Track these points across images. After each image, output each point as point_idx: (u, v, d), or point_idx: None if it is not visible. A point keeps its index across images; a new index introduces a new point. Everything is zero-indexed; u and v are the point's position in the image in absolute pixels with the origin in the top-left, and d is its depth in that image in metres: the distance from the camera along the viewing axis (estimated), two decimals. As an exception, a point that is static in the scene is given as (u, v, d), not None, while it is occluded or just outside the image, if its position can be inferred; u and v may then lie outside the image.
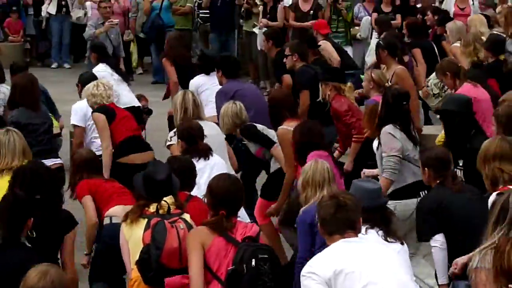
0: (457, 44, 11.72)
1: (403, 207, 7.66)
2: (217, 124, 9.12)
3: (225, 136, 8.97)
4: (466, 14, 14.73)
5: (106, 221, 7.49)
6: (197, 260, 5.86)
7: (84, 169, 7.79)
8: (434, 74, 10.60)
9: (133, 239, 6.30)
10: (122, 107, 9.85)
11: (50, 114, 9.65)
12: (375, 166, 8.31)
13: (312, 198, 6.69)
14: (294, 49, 10.62)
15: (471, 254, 5.41)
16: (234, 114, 8.95)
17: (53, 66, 19.23)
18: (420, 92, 10.89)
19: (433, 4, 16.47)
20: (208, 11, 17.71)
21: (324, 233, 5.27)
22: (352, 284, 4.95)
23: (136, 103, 10.65)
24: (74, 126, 9.77)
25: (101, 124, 8.99)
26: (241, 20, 17.21)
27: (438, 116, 9.04)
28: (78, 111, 9.62)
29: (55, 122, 9.99)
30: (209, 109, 9.76)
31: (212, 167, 7.53)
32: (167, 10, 18.12)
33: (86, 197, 7.56)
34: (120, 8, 17.88)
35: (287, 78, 10.90)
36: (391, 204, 7.16)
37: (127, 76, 11.56)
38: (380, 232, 6.07)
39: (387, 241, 6.08)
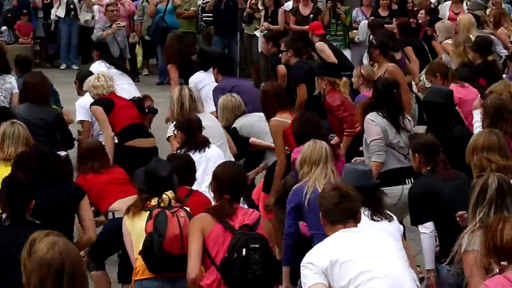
0: (449, 41, 11.77)
1: (388, 194, 7.52)
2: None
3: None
4: (461, 18, 14.75)
5: (110, 215, 7.53)
6: (196, 244, 5.91)
7: (89, 158, 7.78)
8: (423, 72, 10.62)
9: (135, 231, 6.38)
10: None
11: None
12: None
13: (307, 175, 6.72)
14: (289, 45, 10.71)
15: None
16: (235, 106, 9.10)
17: (61, 67, 19.21)
18: (414, 87, 10.94)
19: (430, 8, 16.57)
20: (211, 14, 17.76)
21: (326, 223, 5.28)
22: (347, 273, 4.95)
23: (137, 94, 10.62)
24: (81, 121, 9.84)
25: (99, 116, 9.10)
26: (243, 24, 17.21)
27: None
28: (82, 107, 9.69)
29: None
30: (210, 105, 9.81)
31: (208, 160, 7.56)
32: (171, 13, 18.06)
33: None
34: (126, 11, 17.94)
35: (281, 68, 10.95)
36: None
37: (127, 70, 11.57)
38: (367, 212, 6.04)
39: (373, 219, 6.07)
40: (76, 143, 9.60)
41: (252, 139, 8.95)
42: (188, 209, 6.35)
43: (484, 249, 4.72)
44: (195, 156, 7.81)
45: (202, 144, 7.96)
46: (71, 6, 19.22)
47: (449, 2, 16.12)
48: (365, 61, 14.34)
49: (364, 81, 9.74)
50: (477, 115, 8.18)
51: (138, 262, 6.31)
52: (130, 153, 8.56)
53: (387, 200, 6.86)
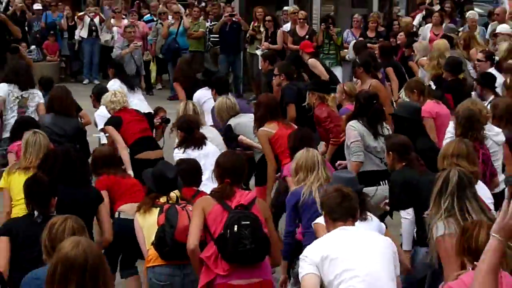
0: (424, 58, 11.87)
1: None
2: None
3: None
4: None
5: (116, 215, 7.43)
6: (197, 221, 5.94)
7: (104, 164, 7.64)
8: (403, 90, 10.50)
9: (147, 225, 6.41)
10: None
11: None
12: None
13: (304, 180, 6.71)
14: (281, 70, 10.64)
15: None
16: (229, 107, 9.09)
17: (84, 82, 19.14)
18: (394, 104, 10.99)
19: (412, 30, 16.65)
20: (218, 35, 17.68)
21: (328, 220, 5.28)
22: (334, 269, 4.95)
23: (147, 110, 10.57)
24: (102, 129, 9.78)
25: (111, 133, 9.08)
26: (246, 44, 17.13)
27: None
28: (102, 116, 9.68)
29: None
30: (210, 118, 9.81)
31: (206, 156, 7.42)
32: (182, 35, 18.07)
33: (102, 192, 7.37)
34: (140, 33, 17.91)
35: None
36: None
37: (137, 86, 11.47)
38: None
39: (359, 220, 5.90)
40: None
41: (240, 137, 8.95)
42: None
43: (460, 250, 4.75)
44: (194, 153, 7.89)
45: (200, 141, 7.95)
46: (93, 27, 19.22)
47: (430, 25, 16.21)
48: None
49: (347, 96, 9.75)
50: (450, 126, 8.10)
51: (150, 252, 6.32)
52: (140, 165, 8.48)
53: (370, 202, 6.84)
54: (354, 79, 11.60)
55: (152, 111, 10.62)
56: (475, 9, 17.91)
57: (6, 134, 9.58)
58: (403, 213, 6.65)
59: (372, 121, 8.11)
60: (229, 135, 8.98)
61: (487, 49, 12.48)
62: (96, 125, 10.14)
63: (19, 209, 6.81)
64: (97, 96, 10.06)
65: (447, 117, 8.77)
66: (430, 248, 5.59)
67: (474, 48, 11.99)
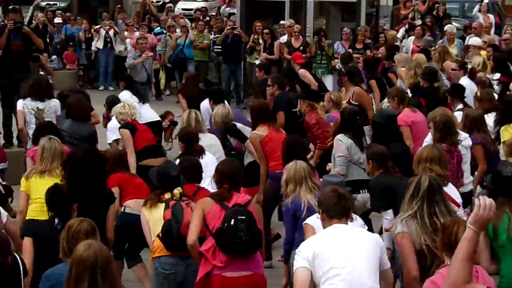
0: (403, 68, 11.93)
1: None
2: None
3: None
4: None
5: (122, 209, 7.41)
6: (197, 219, 6.00)
7: (114, 163, 7.58)
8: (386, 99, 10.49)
9: (153, 219, 6.41)
10: (144, 121, 9.88)
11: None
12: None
13: (293, 192, 6.63)
14: (274, 81, 10.62)
15: None
16: (224, 114, 9.09)
17: (100, 88, 19.11)
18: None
19: (395, 43, 16.75)
20: (220, 47, 17.65)
21: (325, 217, 5.24)
22: (322, 266, 4.92)
23: (156, 118, 10.56)
24: (111, 143, 9.80)
25: (126, 137, 9.04)
26: (246, 55, 17.10)
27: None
28: (113, 128, 9.65)
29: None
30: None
31: (206, 165, 7.42)
32: (188, 46, 18.12)
33: (114, 188, 7.34)
34: (149, 44, 17.92)
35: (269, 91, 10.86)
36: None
37: (146, 97, 11.44)
38: None
39: None
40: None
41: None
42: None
43: (441, 246, 4.77)
44: None
45: (199, 152, 7.92)
46: (108, 39, 19.25)
47: (412, 37, 16.33)
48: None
49: (333, 104, 9.77)
50: (428, 137, 7.97)
51: (156, 243, 6.34)
52: (144, 171, 8.23)
53: (356, 203, 6.89)
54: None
55: (160, 119, 10.63)
56: (453, 23, 17.90)
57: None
58: (384, 214, 6.65)
59: (357, 135, 8.10)
60: (226, 139, 8.97)
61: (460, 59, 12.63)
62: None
63: (35, 207, 6.93)
64: (110, 105, 10.12)
65: (422, 124, 8.76)
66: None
67: (448, 60, 12.06)
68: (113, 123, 9.63)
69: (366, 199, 7.54)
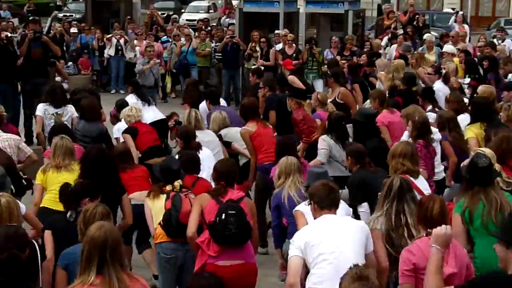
0: (382, 72, 12.00)
1: None
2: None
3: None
4: (403, 57, 14.82)
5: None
6: (195, 214, 6.11)
7: (119, 159, 7.55)
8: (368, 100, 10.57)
9: (155, 208, 6.46)
10: (150, 121, 9.95)
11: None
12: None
13: (284, 183, 6.68)
14: (265, 83, 10.71)
15: None
16: (220, 120, 9.11)
17: (112, 92, 19.10)
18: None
19: (379, 50, 16.79)
20: (221, 54, 17.70)
21: (316, 208, 5.27)
22: (313, 252, 4.98)
23: (160, 117, 10.55)
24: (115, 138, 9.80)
25: (128, 140, 9.05)
26: (244, 61, 17.15)
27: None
28: (120, 129, 9.64)
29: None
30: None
31: (202, 159, 7.46)
32: (192, 53, 18.13)
33: None
34: (156, 52, 17.89)
35: (261, 93, 10.89)
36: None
37: (151, 100, 11.41)
38: None
39: None
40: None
41: (233, 144, 8.96)
42: (193, 194, 6.44)
43: (418, 219, 4.88)
44: None
45: (196, 147, 7.93)
46: (119, 47, 19.26)
47: (395, 45, 16.39)
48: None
49: (319, 103, 9.87)
50: (405, 135, 8.05)
51: (158, 230, 6.40)
52: (149, 168, 8.18)
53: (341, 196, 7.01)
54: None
55: (166, 118, 10.69)
56: (432, 32, 18.01)
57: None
58: (360, 207, 6.65)
59: (341, 137, 8.16)
60: (221, 141, 9.01)
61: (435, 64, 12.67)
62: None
63: (49, 197, 7.04)
64: (119, 107, 10.18)
65: (399, 124, 8.77)
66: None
67: (421, 67, 12.15)
68: (121, 124, 9.68)
69: (346, 195, 7.58)
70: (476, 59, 13.65)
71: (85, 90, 10.82)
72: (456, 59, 13.29)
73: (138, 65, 16.53)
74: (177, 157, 7.33)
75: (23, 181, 7.65)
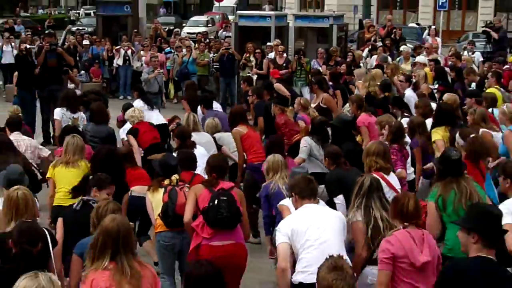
0: (360, 81, 12.08)
1: None
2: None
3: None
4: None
5: (129, 193, 7.29)
6: (190, 202, 6.14)
7: (123, 159, 7.41)
8: (348, 104, 10.72)
9: (155, 201, 6.47)
10: (156, 122, 9.85)
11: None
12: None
13: (272, 178, 6.68)
14: (253, 92, 10.67)
15: None
16: (213, 126, 9.13)
17: (120, 98, 19.01)
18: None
19: (361, 61, 16.76)
20: (218, 64, 17.74)
21: (298, 198, 5.26)
22: (300, 239, 4.98)
23: (163, 122, 10.48)
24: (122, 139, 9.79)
25: (131, 140, 9.05)
26: (239, 70, 17.19)
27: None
28: (125, 130, 9.63)
29: None
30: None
31: (197, 157, 7.28)
32: (192, 63, 18.18)
33: None
34: (159, 61, 17.77)
35: (251, 100, 10.84)
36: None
37: (155, 105, 11.43)
38: None
39: None
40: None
41: (223, 148, 8.91)
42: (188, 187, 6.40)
43: (394, 214, 4.85)
44: None
45: (191, 146, 7.92)
46: (127, 57, 19.25)
47: (375, 56, 16.42)
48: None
49: (302, 107, 9.90)
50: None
51: (157, 221, 6.43)
52: (149, 163, 8.21)
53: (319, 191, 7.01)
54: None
55: (166, 123, 10.66)
56: (407, 44, 18.11)
57: None
58: (336, 199, 6.62)
59: (323, 139, 8.19)
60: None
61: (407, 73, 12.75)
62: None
63: (59, 195, 7.05)
64: (125, 111, 10.10)
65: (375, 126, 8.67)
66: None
67: (397, 75, 12.22)
68: (126, 125, 9.69)
69: (323, 190, 7.55)
70: (447, 68, 13.71)
71: (93, 92, 10.97)
72: (427, 68, 13.37)
73: (144, 74, 16.56)
74: (175, 154, 7.39)
75: (39, 174, 7.72)
